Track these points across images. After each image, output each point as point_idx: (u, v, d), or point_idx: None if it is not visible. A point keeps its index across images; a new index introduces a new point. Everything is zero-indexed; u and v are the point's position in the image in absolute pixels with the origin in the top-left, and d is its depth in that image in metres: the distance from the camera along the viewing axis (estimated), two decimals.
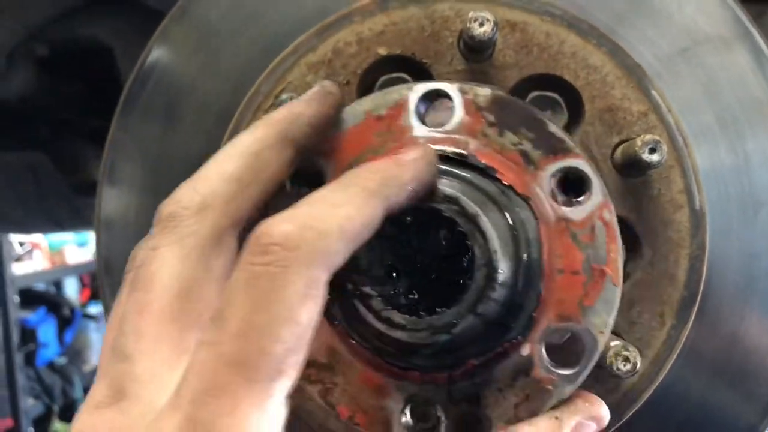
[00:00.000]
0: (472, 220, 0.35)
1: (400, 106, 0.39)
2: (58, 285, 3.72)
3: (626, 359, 0.37)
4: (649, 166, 0.38)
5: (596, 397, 0.38)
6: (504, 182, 0.36)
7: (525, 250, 0.36)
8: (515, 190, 0.36)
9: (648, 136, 0.38)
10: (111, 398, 0.29)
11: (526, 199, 0.36)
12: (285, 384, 0.28)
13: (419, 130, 0.39)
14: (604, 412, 0.38)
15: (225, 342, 0.27)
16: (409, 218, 0.36)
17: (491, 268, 0.35)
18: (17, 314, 2.75)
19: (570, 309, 0.35)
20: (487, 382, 0.37)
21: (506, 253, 0.35)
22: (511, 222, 0.36)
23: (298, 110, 0.37)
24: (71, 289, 3.92)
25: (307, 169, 0.39)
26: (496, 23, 0.39)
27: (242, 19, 0.45)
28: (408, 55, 0.42)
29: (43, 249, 3.05)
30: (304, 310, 0.28)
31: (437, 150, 0.37)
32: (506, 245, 0.35)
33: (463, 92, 0.38)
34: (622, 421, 0.42)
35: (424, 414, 0.37)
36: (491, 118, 0.37)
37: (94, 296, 3.89)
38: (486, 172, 0.37)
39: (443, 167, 0.37)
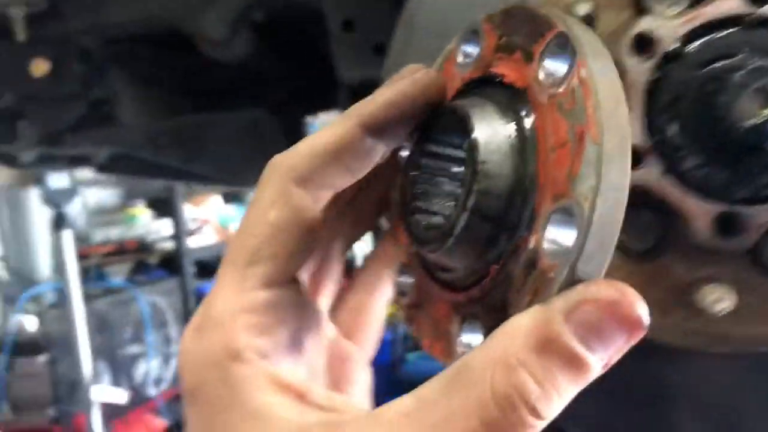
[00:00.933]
0: (461, 114, 0.35)
1: (452, 55, 0.41)
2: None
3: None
4: None
5: (616, 282, 0.29)
6: (505, 82, 0.36)
7: (518, 140, 0.35)
8: (514, 87, 0.36)
9: None
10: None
11: (523, 91, 0.35)
12: (259, 270, 0.33)
13: (462, 68, 0.40)
14: (623, 298, 0.28)
15: (230, 244, 0.35)
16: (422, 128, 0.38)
17: (473, 158, 0.34)
18: (194, 284, 3.00)
19: (561, 185, 0.32)
20: (508, 285, 0.34)
21: (494, 143, 0.34)
22: (505, 115, 0.36)
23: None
24: None
25: None
26: None
27: None
28: None
29: (213, 224, 3.29)
30: (272, 212, 0.34)
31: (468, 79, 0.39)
32: (494, 135, 0.35)
33: (486, 21, 0.39)
34: None
35: (473, 329, 0.37)
36: (501, 30, 0.38)
37: None
38: (494, 80, 0.37)
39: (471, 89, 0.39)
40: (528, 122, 0.35)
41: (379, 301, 0.42)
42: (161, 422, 2.55)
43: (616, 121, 0.31)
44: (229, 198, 3.59)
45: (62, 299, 2.31)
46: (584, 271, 0.30)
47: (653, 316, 0.30)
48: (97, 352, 2.36)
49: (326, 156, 0.35)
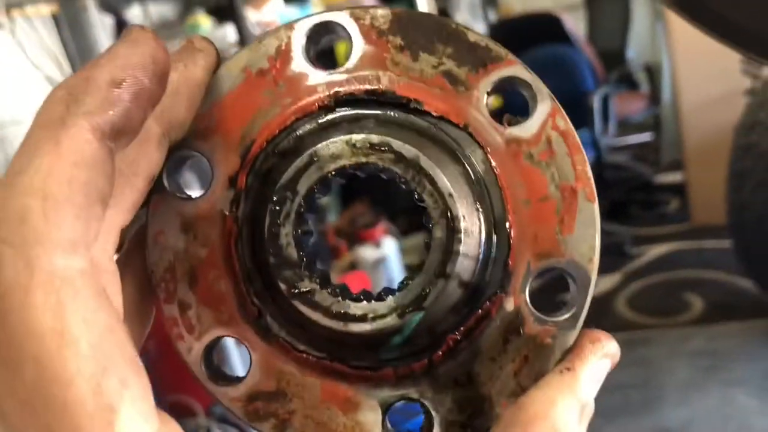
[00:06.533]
0: (413, 164, 0.28)
1: (285, 53, 0.31)
2: None
3: None
4: None
5: (601, 332, 0.31)
6: (434, 114, 0.29)
7: (479, 187, 0.29)
8: (449, 120, 0.29)
9: None
10: None
11: (464, 128, 0.29)
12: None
13: (315, 76, 0.30)
14: (615, 347, 0.32)
15: None
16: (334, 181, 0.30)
17: (450, 216, 0.29)
18: None
19: (548, 243, 0.29)
20: (475, 354, 0.30)
21: (461, 193, 0.29)
22: (456, 158, 0.29)
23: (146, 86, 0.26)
24: None
25: (185, 156, 0.30)
26: None
27: None
28: None
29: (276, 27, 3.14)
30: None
31: (344, 91, 0.30)
32: (458, 184, 0.29)
33: (357, 18, 0.30)
34: None
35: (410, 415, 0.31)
36: (398, 41, 0.30)
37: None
38: (410, 106, 0.29)
39: (361, 112, 0.30)
40: (481, 167, 0.30)
41: None
42: None
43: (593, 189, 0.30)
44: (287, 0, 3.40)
45: None
46: (578, 331, 0.30)
47: None
48: None
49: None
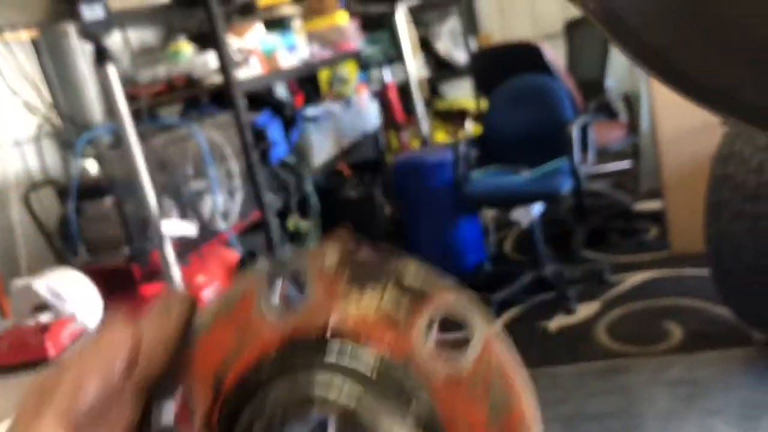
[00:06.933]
0: (352, 418, 0.29)
1: (249, 296, 0.33)
2: (270, 91, 3.89)
3: None
4: None
5: None
6: (379, 352, 0.31)
7: (423, 428, 0.30)
8: (393, 358, 0.30)
9: None
10: None
11: (406, 366, 0.30)
12: None
13: (272, 317, 0.32)
14: None
15: None
16: None
17: None
18: (248, 117, 2.91)
19: None
20: None
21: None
22: (399, 397, 0.30)
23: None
24: (282, 95, 4.09)
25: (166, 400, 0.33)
26: None
27: None
28: None
29: (258, 54, 3.14)
30: None
31: (296, 337, 0.31)
32: (402, 428, 0.30)
33: (310, 260, 0.32)
34: None
35: None
36: (346, 280, 0.32)
37: (308, 100, 4.04)
38: (359, 344, 0.31)
39: (309, 356, 0.31)
40: (424, 406, 0.30)
41: None
42: (233, 254, 2.58)
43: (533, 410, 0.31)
44: (270, 26, 3.41)
45: (119, 139, 2.26)
46: None
47: None
48: (163, 191, 2.35)
49: None
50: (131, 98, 2.46)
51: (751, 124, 0.36)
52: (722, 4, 0.30)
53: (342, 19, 4.08)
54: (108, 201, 2.28)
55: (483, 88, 3.67)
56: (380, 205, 4.21)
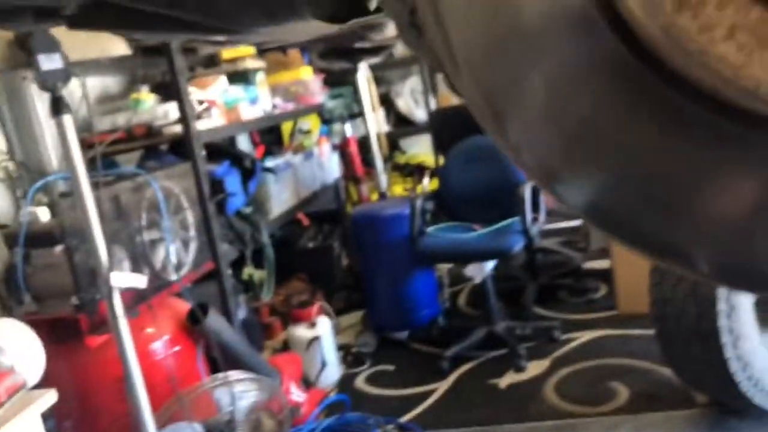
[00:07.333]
0: None
1: None
2: (232, 142, 3.92)
3: None
4: None
5: None
6: None
7: None
8: None
9: None
10: None
11: None
12: None
13: None
14: None
15: None
16: None
17: None
18: (205, 167, 2.93)
19: None
20: None
21: None
22: None
23: None
24: (244, 146, 4.13)
25: None
26: None
27: None
28: None
29: (219, 106, 3.18)
30: None
31: None
32: None
33: None
34: None
35: None
36: None
37: (268, 152, 4.08)
38: None
39: None
40: None
41: None
42: (184, 305, 2.56)
43: None
44: (233, 79, 3.46)
45: (72, 188, 2.25)
46: None
47: None
48: (115, 240, 2.33)
49: None
50: (89, 146, 2.46)
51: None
52: None
53: (306, 73, 4.16)
54: (58, 249, 2.26)
55: (441, 145, 3.75)
56: (337, 256, 4.23)
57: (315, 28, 0.95)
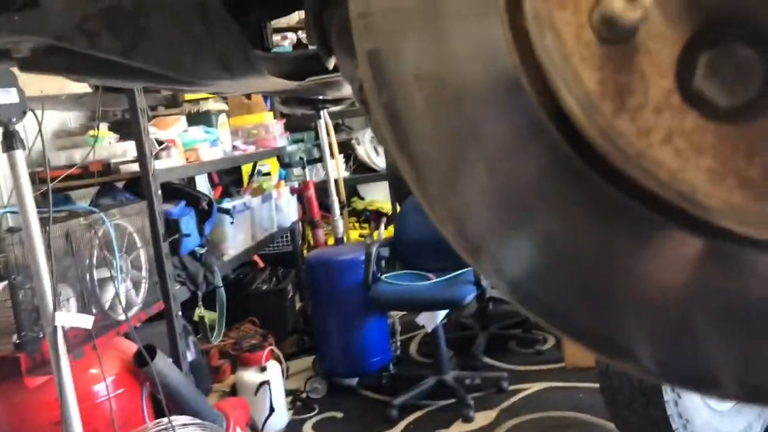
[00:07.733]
0: None
1: None
2: (191, 182, 3.92)
3: None
4: None
5: None
6: None
7: None
8: None
9: None
10: None
11: None
12: None
13: None
14: None
15: None
16: None
17: None
18: (161, 207, 2.92)
19: None
20: None
21: None
22: None
23: None
24: (202, 186, 4.12)
25: None
26: None
27: None
28: None
29: (178, 146, 3.19)
30: None
31: None
32: None
33: None
34: None
35: None
36: None
37: (226, 193, 4.08)
38: None
39: None
40: None
41: None
42: (131, 346, 2.52)
43: None
44: (193, 120, 3.48)
45: (21, 223, 2.22)
46: None
47: (744, 198, 0.24)
48: (64, 277, 2.30)
49: None
50: (44, 180, 2.44)
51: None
52: None
53: (268, 118, 4.20)
54: (1, 286, 2.22)
55: (398, 193, 3.81)
56: (290, 300, 4.21)
57: (272, 83, 0.98)
